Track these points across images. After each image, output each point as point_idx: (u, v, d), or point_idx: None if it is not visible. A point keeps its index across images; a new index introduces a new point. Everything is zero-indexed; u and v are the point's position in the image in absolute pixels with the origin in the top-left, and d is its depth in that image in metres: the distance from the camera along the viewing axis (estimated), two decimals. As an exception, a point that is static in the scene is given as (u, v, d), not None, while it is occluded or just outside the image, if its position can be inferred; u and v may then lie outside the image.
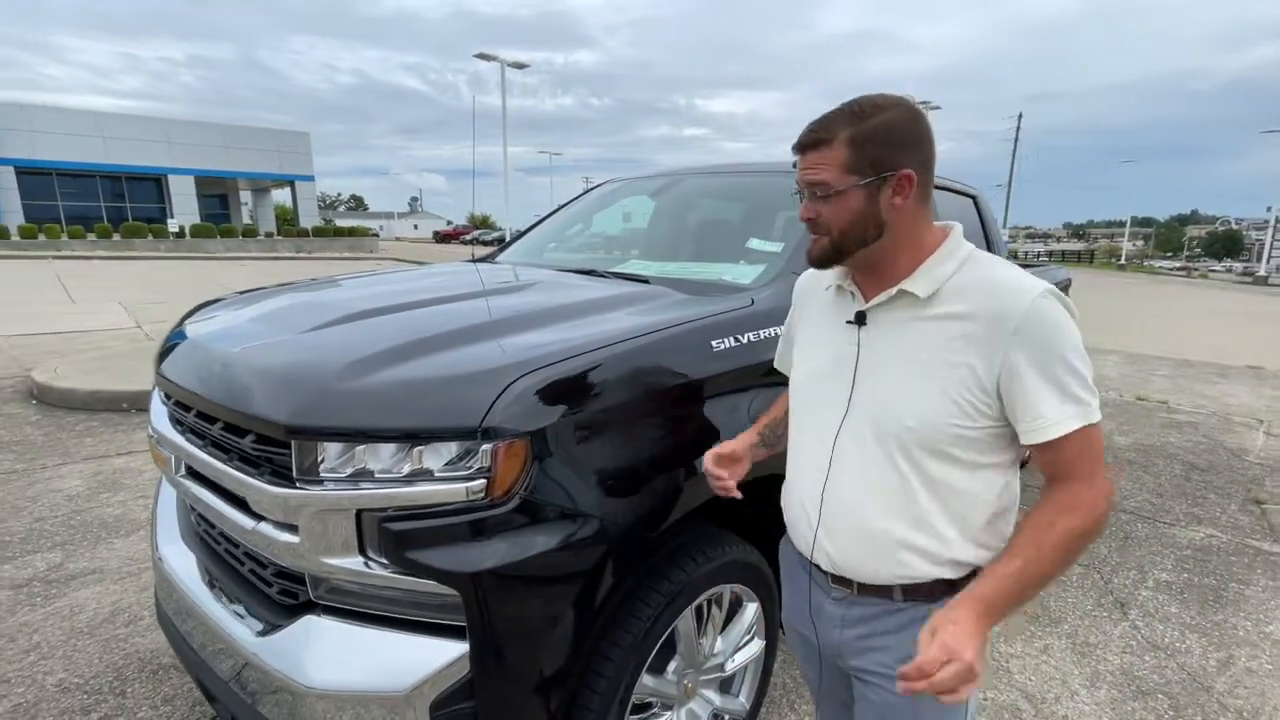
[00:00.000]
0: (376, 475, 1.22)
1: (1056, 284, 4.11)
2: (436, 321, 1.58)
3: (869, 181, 0.93)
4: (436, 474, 1.21)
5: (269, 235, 31.05)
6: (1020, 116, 45.66)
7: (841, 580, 1.07)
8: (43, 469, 3.89)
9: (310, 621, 1.29)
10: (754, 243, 2.27)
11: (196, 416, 1.48)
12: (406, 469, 1.21)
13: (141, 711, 2.05)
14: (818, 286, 1.16)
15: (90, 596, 2.63)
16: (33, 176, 28.51)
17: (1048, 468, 0.96)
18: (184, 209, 31.17)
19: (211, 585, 1.53)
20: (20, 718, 2.02)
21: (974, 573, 1.01)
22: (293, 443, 1.22)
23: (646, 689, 1.50)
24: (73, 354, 6.50)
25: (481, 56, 21.47)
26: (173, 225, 27.27)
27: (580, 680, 1.36)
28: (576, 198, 3.35)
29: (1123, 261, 47.85)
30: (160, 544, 1.70)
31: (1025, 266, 4.54)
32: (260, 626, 1.35)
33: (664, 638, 1.48)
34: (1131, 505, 3.78)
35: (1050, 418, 0.90)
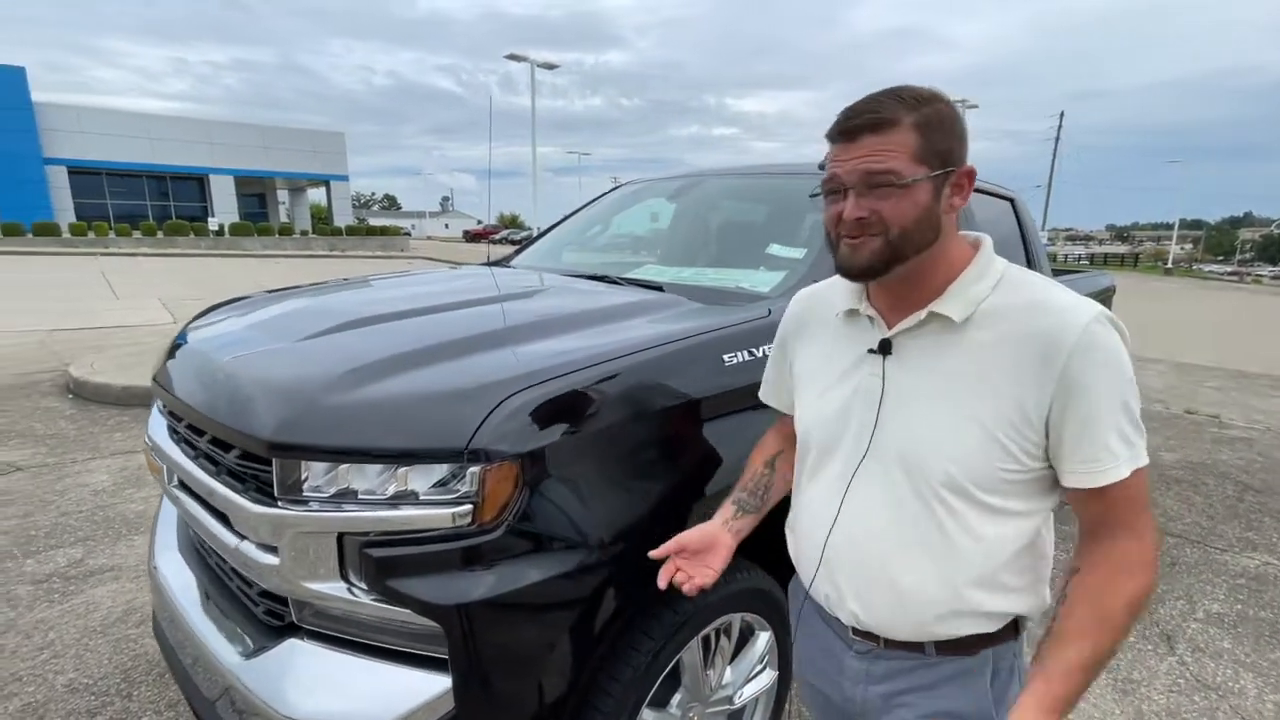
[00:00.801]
0: (360, 496, 1.15)
1: (1099, 291, 3.85)
2: (434, 331, 1.52)
3: (937, 175, 0.82)
4: (422, 497, 1.14)
5: (304, 234, 31.79)
6: (1062, 115, 44.33)
7: (866, 634, 0.95)
8: (72, 463, 3.97)
9: (294, 646, 1.24)
10: (775, 248, 2.17)
11: (187, 428, 1.44)
12: (391, 490, 1.15)
13: (145, 716, 2.03)
14: (822, 311, 1.01)
15: (106, 595, 2.65)
16: (83, 176, 29.67)
17: (1088, 516, 0.85)
18: (224, 208, 32.12)
19: (205, 600, 1.49)
20: (28, 717, 2.02)
21: (1013, 623, 0.92)
22: (274, 460, 1.17)
23: (648, 725, 1.41)
24: (111, 349, 6.68)
25: (512, 57, 21.58)
26: (213, 224, 28.11)
27: (575, 717, 1.28)
28: (595, 199, 3.27)
29: (1169, 266, 46.03)
30: (156, 554, 1.68)
31: (1065, 272, 4.32)
32: (245, 647, 1.30)
33: (668, 670, 1.39)
34: (1179, 528, 3.55)
35: (1102, 461, 0.79)
